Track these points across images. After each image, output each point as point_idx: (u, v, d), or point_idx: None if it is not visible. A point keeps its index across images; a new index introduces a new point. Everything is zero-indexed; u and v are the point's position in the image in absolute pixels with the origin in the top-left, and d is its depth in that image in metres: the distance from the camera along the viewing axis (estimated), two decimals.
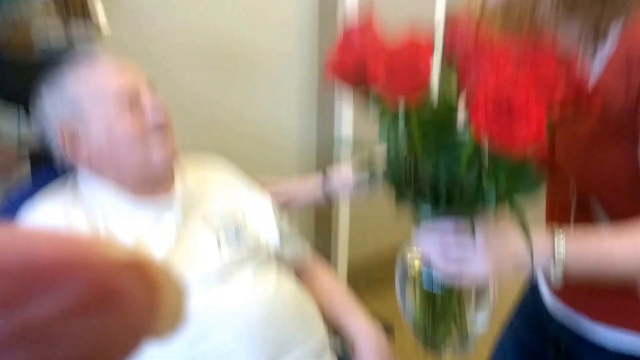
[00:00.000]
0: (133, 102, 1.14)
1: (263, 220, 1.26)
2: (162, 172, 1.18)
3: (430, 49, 0.70)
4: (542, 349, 1.02)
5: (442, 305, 0.83)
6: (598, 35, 0.81)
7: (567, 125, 0.84)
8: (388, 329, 1.29)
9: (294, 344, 1.11)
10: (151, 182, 1.17)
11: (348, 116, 2.26)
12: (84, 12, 1.65)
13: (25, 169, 1.36)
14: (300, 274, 1.33)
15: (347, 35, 0.73)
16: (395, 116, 0.73)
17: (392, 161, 0.76)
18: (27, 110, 1.24)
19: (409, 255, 0.87)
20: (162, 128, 1.16)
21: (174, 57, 1.97)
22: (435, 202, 0.75)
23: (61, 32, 1.48)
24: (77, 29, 1.52)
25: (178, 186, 1.21)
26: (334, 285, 1.36)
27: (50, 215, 1.10)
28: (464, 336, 0.84)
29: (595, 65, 0.82)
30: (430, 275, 0.81)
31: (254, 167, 2.21)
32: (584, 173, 0.87)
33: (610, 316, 0.89)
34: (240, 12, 2.07)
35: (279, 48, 2.22)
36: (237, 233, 1.19)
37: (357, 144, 0.82)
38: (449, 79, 0.71)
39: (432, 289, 0.82)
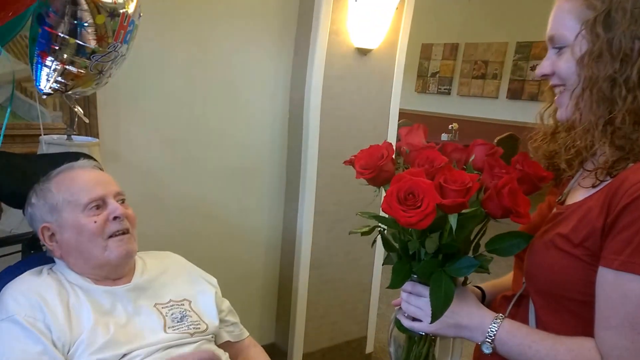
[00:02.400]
0: (98, 212, 1.36)
1: (206, 309, 1.48)
2: (119, 269, 1.41)
3: (392, 151, 0.98)
4: None
5: (418, 352, 1.05)
6: (609, 173, 0.90)
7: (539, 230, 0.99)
8: None
9: None
10: (111, 277, 1.40)
11: (309, 211, 2.56)
12: (88, 126, 1.96)
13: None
14: (237, 355, 1.54)
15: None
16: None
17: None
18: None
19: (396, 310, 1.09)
20: (122, 232, 1.38)
21: (156, 159, 2.27)
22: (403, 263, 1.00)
23: (64, 141, 1.76)
24: (78, 138, 1.80)
25: (136, 279, 1.43)
26: None
27: (30, 283, 1.31)
28: None
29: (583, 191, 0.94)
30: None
31: (224, 255, 2.50)
32: (534, 271, 0.98)
33: None
34: (217, 115, 2.39)
35: (254, 146, 2.54)
36: (181, 319, 1.40)
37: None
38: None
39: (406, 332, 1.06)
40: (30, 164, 1.56)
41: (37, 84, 1.42)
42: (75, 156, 1.54)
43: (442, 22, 8.45)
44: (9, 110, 1.72)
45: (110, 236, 1.36)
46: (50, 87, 1.41)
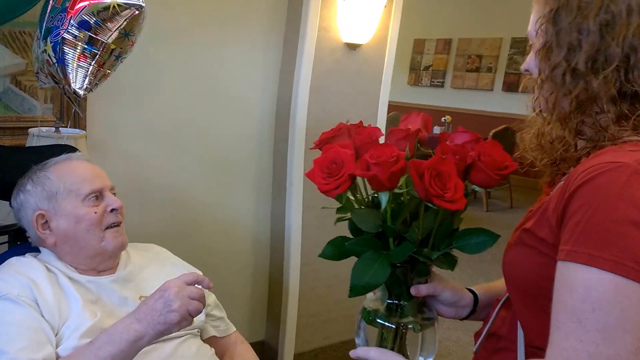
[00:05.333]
0: (97, 203, 1.39)
1: None
2: (110, 261, 1.43)
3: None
4: None
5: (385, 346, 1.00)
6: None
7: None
8: None
9: None
10: (99, 268, 1.41)
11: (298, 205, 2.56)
12: (75, 118, 1.99)
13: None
14: (223, 351, 1.53)
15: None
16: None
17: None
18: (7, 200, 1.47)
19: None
20: (117, 225, 1.41)
21: (142, 153, 2.28)
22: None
23: (53, 134, 1.78)
24: (66, 130, 1.82)
25: (120, 270, 1.45)
26: None
27: (17, 265, 1.32)
28: None
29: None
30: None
31: (211, 249, 2.51)
32: (507, 269, 0.97)
33: None
34: (205, 108, 2.40)
35: (241, 140, 2.55)
36: None
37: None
38: None
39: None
40: (17, 156, 1.58)
41: (74, 84, 1.48)
42: (62, 148, 1.56)
43: (434, 18, 8.47)
44: None
45: (107, 227, 1.39)
46: (86, 87, 1.49)
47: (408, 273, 1.00)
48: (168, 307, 1.14)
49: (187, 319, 1.15)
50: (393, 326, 0.99)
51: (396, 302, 1.02)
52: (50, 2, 1.52)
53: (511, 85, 7.52)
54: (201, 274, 1.57)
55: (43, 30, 1.52)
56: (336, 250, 0.98)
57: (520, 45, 7.41)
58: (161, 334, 1.16)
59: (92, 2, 1.44)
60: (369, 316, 1.02)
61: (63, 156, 1.47)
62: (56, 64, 1.48)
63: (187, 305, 1.14)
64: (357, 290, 0.92)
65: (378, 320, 1.01)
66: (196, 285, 1.21)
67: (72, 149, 1.58)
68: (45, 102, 2.00)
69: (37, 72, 1.64)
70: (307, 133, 2.50)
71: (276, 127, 2.61)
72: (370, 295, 1.05)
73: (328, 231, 2.73)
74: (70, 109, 1.94)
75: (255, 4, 2.42)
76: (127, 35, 1.50)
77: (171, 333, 1.19)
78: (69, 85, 1.47)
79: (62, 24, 1.46)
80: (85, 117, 2.02)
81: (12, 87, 1.94)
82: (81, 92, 1.48)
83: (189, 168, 2.42)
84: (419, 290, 1.01)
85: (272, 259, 2.74)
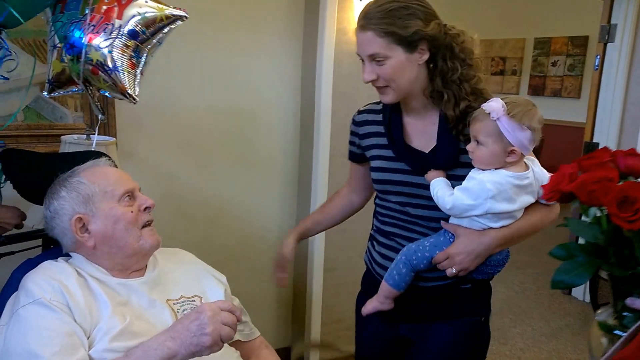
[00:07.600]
0: (131, 203, 1.43)
1: None
2: (144, 260, 1.45)
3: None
4: None
5: None
6: None
7: None
8: None
9: None
10: (133, 268, 1.43)
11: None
12: (106, 126, 2.04)
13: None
14: (248, 355, 1.55)
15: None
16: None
17: None
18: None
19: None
20: (150, 223, 1.45)
21: (170, 158, 2.33)
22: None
23: (84, 141, 1.84)
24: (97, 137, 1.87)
25: (148, 273, 1.47)
26: None
27: (50, 270, 1.34)
28: None
29: None
30: None
31: (236, 255, 2.53)
32: None
33: None
34: (229, 116, 2.44)
35: (266, 146, 2.58)
36: None
37: None
38: None
39: None
40: (51, 162, 1.62)
41: (130, 90, 1.57)
42: (95, 154, 1.59)
43: (453, 19, 8.36)
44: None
45: (143, 226, 1.43)
46: (137, 93, 1.59)
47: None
48: (202, 329, 1.17)
49: (218, 343, 1.18)
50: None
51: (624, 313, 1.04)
52: (88, 13, 1.56)
53: (537, 89, 7.31)
54: (225, 278, 1.61)
55: (85, 39, 1.55)
56: (563, 252, 1.07)
57: (543, 46, 7.16)
58: (192, 355, 1.19)
59: (127, 8, 1.52)
60: (605, 326, 1.07)
61: (89, 163, 1.50)
62: (110, 71, 1.54)
63: (219, 330, 1.18)
64: (556, 284, 1.02)
65: (615, 332, 1.03)
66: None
67: (105, 155, 1.61)
68: (75, 110, 2.06)
69: (50, 80, 1.66)
70: (331, 137, 2.50)
71: (301, 133, 2.62)
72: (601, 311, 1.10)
73: (350, 237, 2.72)
74: None
75: (272, 10, 2.45)
76: (160, 44, 1.59)
77: (202, 355, 1.20)
78: (125, 92, 1.55)
79: (110, 33, 1.52)
80: (115, 124, 2.08)
81: (42, 95, 1.99)
82: (137, 98, 1.57)
83: (215, 174, 2.45)
84: (634, 303, 1.00)
85: (296, 265, 2.74)
